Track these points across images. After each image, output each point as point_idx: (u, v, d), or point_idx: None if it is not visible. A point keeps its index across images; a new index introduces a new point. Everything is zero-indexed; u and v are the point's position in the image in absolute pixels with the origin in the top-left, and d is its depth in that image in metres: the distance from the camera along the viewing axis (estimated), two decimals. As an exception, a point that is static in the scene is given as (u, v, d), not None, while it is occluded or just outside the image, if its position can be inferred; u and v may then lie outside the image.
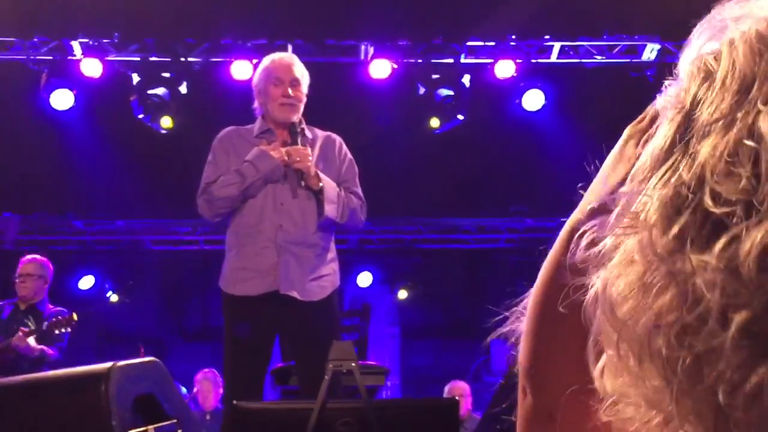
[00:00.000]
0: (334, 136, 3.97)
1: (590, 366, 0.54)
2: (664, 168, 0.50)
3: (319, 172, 3.72)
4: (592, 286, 0.53)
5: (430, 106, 7.22)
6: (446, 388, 7.56)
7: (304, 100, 3.86)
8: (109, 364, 2.59)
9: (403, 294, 9.91)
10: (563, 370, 0.85)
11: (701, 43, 0.54)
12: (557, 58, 7.37)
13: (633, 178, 0.54)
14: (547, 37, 7.24)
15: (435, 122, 7.26)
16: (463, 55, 7.23)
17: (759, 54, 0.50)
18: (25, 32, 6.95)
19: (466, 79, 7.18)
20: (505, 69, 7.13)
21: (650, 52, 7.28)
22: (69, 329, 5.39)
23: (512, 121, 7.65)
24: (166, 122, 7.05)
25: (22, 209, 8.77)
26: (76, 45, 7.04)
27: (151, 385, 2.80)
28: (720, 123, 0.49)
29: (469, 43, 7.21)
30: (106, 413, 2.50)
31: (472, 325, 10.36)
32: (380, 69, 7.06)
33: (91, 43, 7.00)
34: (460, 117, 7.21)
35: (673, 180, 0.49)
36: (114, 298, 9.49)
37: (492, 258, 9.59)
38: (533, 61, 7.24)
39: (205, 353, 8.65)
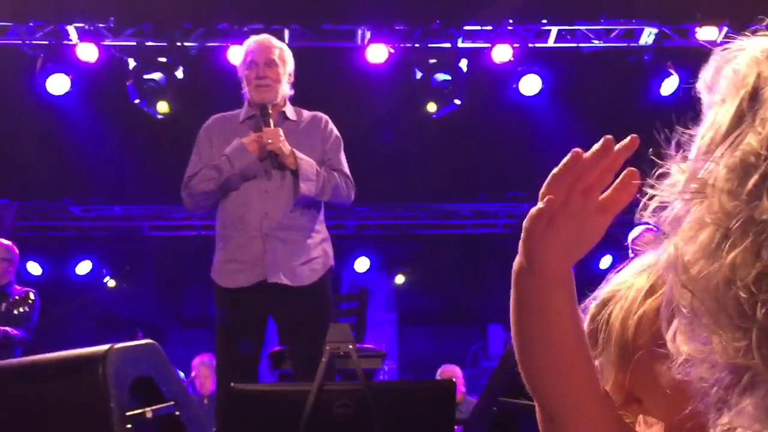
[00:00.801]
0: (321, 115, 3.94)
1: (663, 330, 0.57)
2: (729, 140, 0.54)
3: (295, 151, 3.69)
4: (664, 252, 0.56)
5: (427, 91, 7.20)
6: (438, 372, 7.59)
7: (284, 80, 3.82)
8: (106, 347, 2.60)
9: (400, 279, 9.93)
10: (556, 379, 0.93)
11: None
12: (554, 43, 7.35)
13: (697, 152, 0.58)
14: (544, 21, 7.21)
15: (432, 107, 7.24)
16: (460, 40, 7.21)
17: None
18: (20, 17, 6.91)
19: (463, 64, 7.17)
20: (502, 53, 7.11)
21: (648, 36, 7.26)
22: (27, 308, 5.45)
23: (510, 106, 7.64)
24: (163, 107, 7.03)
25: (19, 195, 8.75)
26: (71, 30, 7.00)
27: (148, 367, 2.81)
28: None
29: (466, 28, 7.18)
30: (105, 395, 2.51)
31: (470, 310, 10.40)
32: (377, 54, 7.04)
33: (86, 27, 6.97)
34: (457, 102, 7.20)
35: (741, 147, 0.53)
36: (111, 283, 9.51)
37: (489, 243, 9.59)
38: (530, 45, 7.22)
39: (202, 338, 8.66)
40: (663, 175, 0.60)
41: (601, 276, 1.08)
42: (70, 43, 7.01)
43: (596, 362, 1.00)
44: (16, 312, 5.42)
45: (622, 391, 0.99)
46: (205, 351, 7.50)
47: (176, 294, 10.32)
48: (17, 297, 5.48)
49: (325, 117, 3.94)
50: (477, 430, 3.24)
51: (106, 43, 7.01)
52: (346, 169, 3.84)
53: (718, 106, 0.57)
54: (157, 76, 6.93)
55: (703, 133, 0.57)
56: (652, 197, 0.59)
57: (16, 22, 6.96)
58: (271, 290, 3.62)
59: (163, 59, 6.94)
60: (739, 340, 0.49)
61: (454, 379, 3.90)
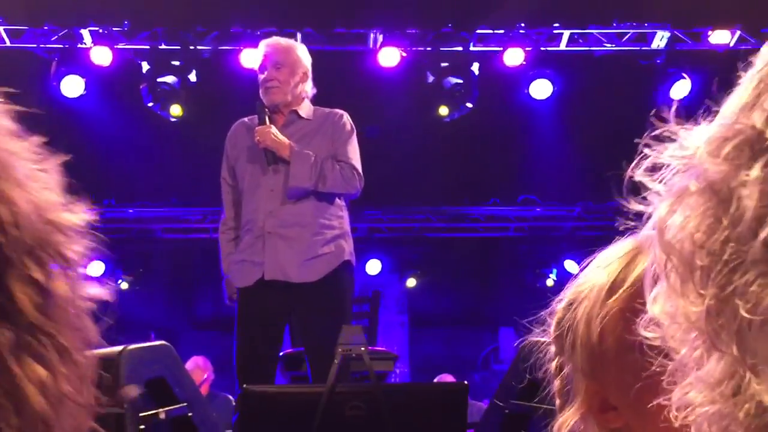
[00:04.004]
0: (337, 111, 3.93)
1: (646, 294, 0.55)
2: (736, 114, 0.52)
3: (293, 145, 3.70)
4: (651, 216, 0.55)
5: (439, 95, 7.22)
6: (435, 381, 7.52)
7: (293, 80, 3.84)
8: (119, 348, 2.61)
9: (412, 282, 9.93)
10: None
11: None
12: (566, 46, 7.35)
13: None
14: (556, 24, 7.21)
15: (444, 110, 7.25)
16: (472, 43, 7.21)
17: None
18: (35, 20, 6.97)
19: (475, 67, 7.17)
20: (514, 57, 7.12)
21: (660, 39, 7.25)
22: None
23: (521, 109, 7.64)
24: (176, 110, 7.07)
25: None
26: (86, 33, 7.06)
27: (161, 368, 2.82)
28: None
29: (478, 31, 7.19)
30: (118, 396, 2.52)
31: (481, 313, 10.40)
32: (389, 57, 7.06)
33: (101, 31, 7.02)
34: (469, 105, 7.21)
35: (741, 121, 0.50)
36: (124, 285, 9.55)
37: (501, 246, 9.59)
38: (542, 49, 7.22)
39: (214, 340, 8.69)
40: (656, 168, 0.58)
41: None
42: (84, 46, 7.06)
43: (565, 369, 0.97)
44: None
45: (597, 397, 0.94)
46: (218, 353, 7.50)
47: (189, 296, 10.36)
48: None
49: (340, 112, 3.92)
50: (488, 433, 3.24)
51: (120, 46, 7.06)
52: (354, 161, 3.80)
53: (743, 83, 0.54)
54: (170, 79, 6.97)
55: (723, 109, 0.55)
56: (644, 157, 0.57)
57: (31, 25, 7.02)
58: (278, 288, 3.63)
59: (176, 62, 6.99)
60: (697, 306, 0.48)
61: (466, 382, 3.89)
